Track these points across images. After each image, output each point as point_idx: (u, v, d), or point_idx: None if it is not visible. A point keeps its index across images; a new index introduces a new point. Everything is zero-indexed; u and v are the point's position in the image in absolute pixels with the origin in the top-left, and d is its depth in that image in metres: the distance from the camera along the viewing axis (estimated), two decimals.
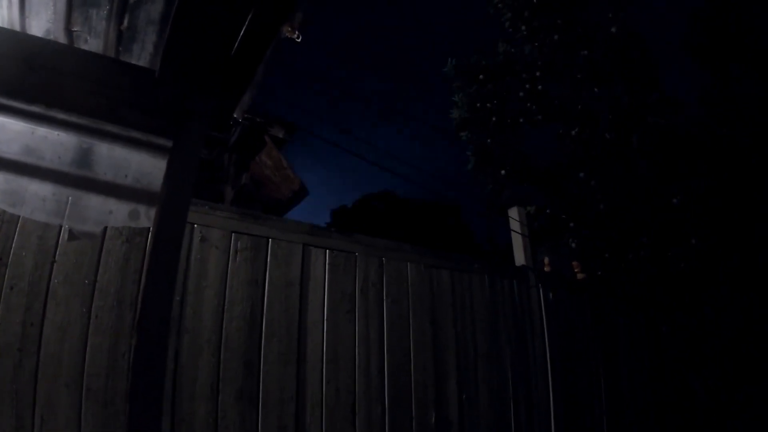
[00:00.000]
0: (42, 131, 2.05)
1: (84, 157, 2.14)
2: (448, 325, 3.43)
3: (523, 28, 6.94)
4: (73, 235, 2.15)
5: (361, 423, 2.88)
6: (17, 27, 1.91)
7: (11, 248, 2.05)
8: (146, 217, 2.25)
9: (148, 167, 2.24)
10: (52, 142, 2.07)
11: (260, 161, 5.62)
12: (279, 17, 1.31)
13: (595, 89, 6.41)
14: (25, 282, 2.06)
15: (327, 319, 2.93)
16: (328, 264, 3.05)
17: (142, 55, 1.93)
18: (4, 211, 2.03)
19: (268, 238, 2.85)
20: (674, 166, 5.98)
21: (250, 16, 1.30)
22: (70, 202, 2.15)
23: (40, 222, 2.09)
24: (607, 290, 4.67)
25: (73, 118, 2.03)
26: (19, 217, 2.05)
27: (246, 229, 2.79)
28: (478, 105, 6.71)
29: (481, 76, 6.86)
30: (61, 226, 2.13)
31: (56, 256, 2.14)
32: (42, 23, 1.87)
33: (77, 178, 2.13)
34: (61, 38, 1.92)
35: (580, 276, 5.83)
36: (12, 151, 2.02)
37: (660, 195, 5.86)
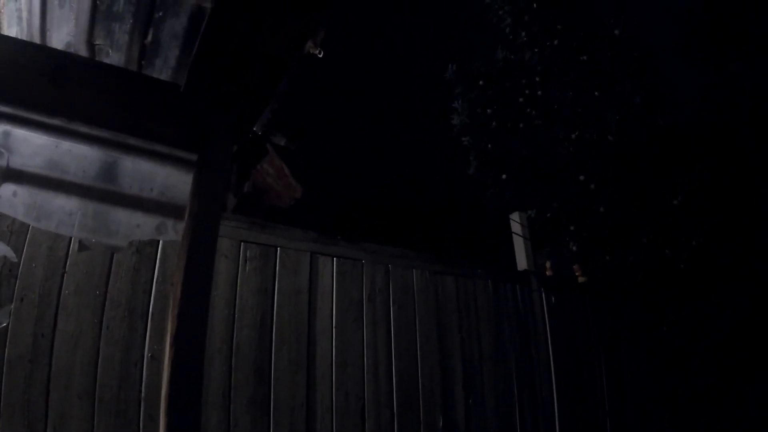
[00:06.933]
0: (66, 145, 2.07)
1: (109, 171, 2.15)
2: (454, 331, 3.46)
3: (523, 34, 7.04)
4: (83, 246, 2.16)
5: (370, 428, 2.90)
6: (37, 39, 1.92)
7: (21, 259, 2.06)
8: (173, 230, 2.26)
9: (173, 181, 2.26)
10: (76, 155, 2.08)
11: (262, 170, 5.63)
12: (304, 34, 1.35)
13: (596, 93, 6.50)
14: (36, 293, 2.07)
15: (335, 326, 2.95)
16: (336, 272, 3.07)
17: (164, 69, 1.96)
18: (14, 221, 2.03)
19: (276, 247, 2.87)
20: (676, 165, 6.03)
21: (276, 33, 1.33)
22: (96, 215, 2.16)
23: (49, 233, 2.10)
24: (607, 293, 4.71)
25: (96, 132, 2.05)
26: (28, 227, 2.06)
27: (254, 238, 2.81)
28: (479, 111, 6.80)
29: (480, 82, 6.94)
30: (71, 238, 2.14)
31: (66, 267, 2.15)
32: (63, 36, 1.89)
33: (103, 192, 2.15)
34: (83, 51, 1.94)
35: (581, 279, 5.87)
36: (36, 165, 2.03)
37: (661, 195, 5.91)
